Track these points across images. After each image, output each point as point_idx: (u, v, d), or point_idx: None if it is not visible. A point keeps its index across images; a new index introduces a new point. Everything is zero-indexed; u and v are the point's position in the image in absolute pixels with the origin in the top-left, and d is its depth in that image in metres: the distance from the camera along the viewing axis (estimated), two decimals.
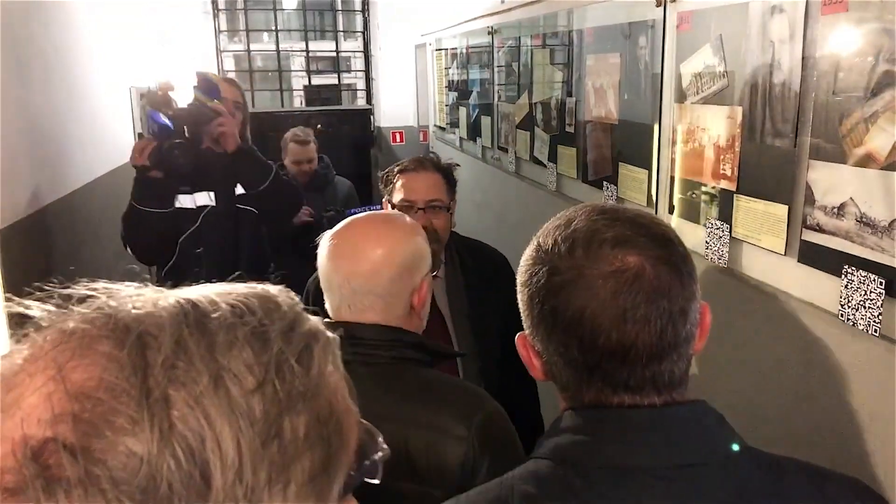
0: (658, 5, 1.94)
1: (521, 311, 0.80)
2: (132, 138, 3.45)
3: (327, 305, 1.22)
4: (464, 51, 4.39)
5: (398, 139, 6.33)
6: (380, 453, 0.45)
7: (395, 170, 1.92)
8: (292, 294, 0.44)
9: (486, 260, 2.02)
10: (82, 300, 0.39)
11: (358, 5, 6.27)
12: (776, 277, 1.55)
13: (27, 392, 0.34)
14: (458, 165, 2.02)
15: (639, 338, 0.71)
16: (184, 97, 2.32)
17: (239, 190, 2.39)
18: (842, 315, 1.32)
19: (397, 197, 1.86)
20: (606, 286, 0.70)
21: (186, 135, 2.24)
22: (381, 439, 0.45)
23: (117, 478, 0.32)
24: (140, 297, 0.39)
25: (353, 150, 5.62)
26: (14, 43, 2.27)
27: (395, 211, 1.20)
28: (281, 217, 2.59)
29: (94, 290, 0.40)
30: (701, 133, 1.78)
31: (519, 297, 0.80)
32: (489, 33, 3.73)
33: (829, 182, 1.35)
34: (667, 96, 1.95)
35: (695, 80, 1.80)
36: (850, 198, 1.29)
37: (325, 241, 1.20)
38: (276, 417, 0.36)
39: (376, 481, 0.44)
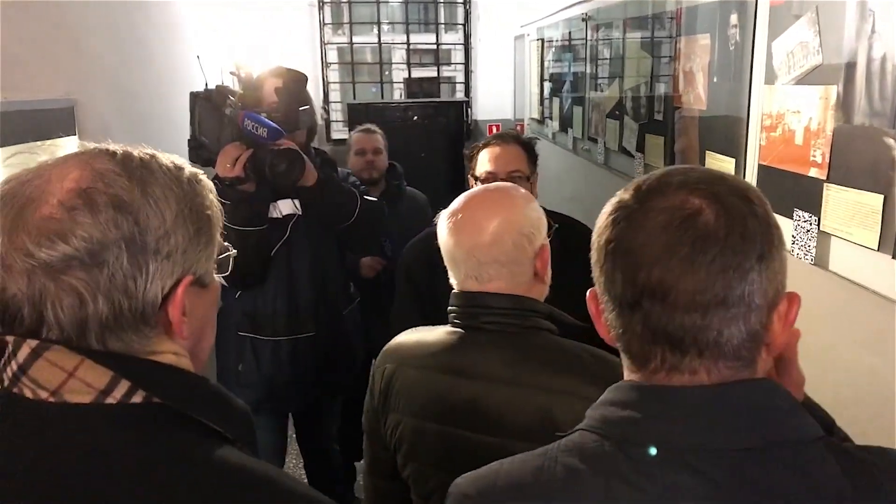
0: None
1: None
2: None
3: (452, 279, 1.24)
4: (559, 40, 4.28)
5: (494, 132, 6.26)
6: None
7: (479, 145, 1.99)
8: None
9: (570, 231, 1.98)
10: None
11: None
12: (868, 276, 1.39)
13: (73, 163, 0.68)
14: (538, 139, 2.09)
15: (680, 280, 0.64)
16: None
17: None
18: None
19: (481, 169, 1.93)
20: (658, 219, 0.66)
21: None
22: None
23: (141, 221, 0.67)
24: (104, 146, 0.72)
25: (448, 142, 5.60)
26: (116, 32, 2.39)
27: (508, 183, 1.24)
28: (366, 245, 2.48)
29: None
30: (791, 117, 1.62)
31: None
32: (583, 20, 3.61)
33: None
34: (757, 78, 1.80)
35: (787, 58, 1.64)
36: None
37: (443, 219, 1.23)
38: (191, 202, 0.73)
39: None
